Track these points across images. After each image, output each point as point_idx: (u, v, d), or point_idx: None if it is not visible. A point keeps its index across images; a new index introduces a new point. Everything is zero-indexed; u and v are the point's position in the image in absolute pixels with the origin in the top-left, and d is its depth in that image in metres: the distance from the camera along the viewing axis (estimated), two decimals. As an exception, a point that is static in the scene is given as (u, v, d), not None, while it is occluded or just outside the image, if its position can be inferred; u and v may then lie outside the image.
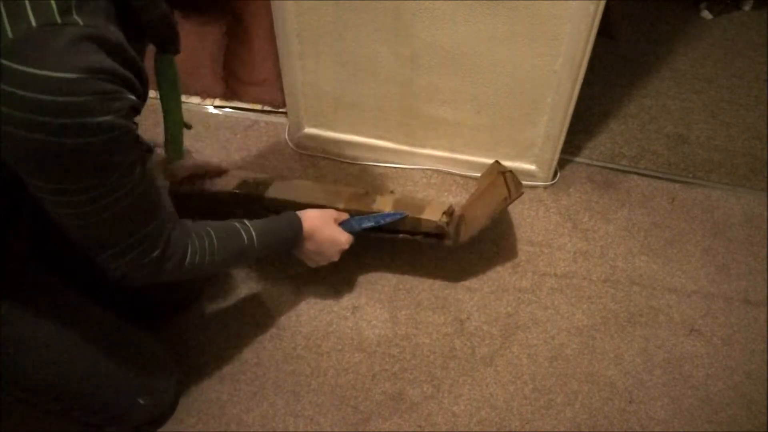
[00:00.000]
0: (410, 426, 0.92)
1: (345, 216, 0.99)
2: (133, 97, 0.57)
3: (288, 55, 1.18)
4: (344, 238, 0.95)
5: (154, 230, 0.66)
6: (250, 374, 0.97)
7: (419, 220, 1.01)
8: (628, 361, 1.01)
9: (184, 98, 1.50)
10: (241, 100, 1.46)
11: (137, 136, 0.61)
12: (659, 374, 0.99)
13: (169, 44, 0.71)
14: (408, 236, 1.03)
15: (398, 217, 1.01)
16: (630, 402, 0.96)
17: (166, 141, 0.84)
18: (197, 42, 1.63)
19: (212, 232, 0.76)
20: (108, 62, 0.53)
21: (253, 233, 0.82)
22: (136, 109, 0.59)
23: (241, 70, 1.43)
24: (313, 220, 0.92)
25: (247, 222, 0.83)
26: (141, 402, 0.85)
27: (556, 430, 0.92)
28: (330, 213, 0.97)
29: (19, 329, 0.73)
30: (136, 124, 0.60)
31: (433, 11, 1.04)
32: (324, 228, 0.93)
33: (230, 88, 1.46)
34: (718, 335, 1.04)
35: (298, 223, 0.90)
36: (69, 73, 0.50)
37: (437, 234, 1.02)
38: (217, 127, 1.41)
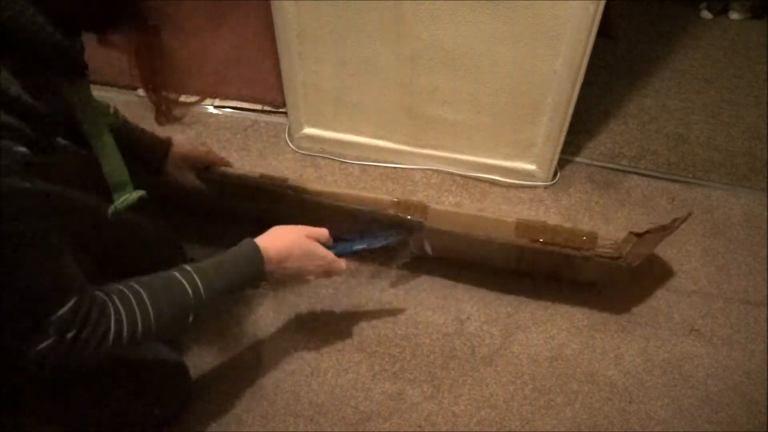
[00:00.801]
0: (410, 426, 0.92)
1: (323, 232, 0.86)
2: (23, 150, 0.50)
3: (288, 55, 1.18)
4: (323, 252, 0.83)
5: (66, 311, 0.58)
6: (250, 374, 0.97)
7: (595, 236, 0.94)
8: (628, 361, 1.01)
9: (183, 97, 1.49)
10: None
11: (44, 195, 0.53)
12: (659, 374, 0.99)
13: (76, 71, 0.60)
14: (586, 253, 0.95)
15: (393, 240, 0.92)
16: (630, 402, 0.96)
17: (111, 188, 0.72)
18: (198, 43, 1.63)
19: (142, 290, 0.65)
20: None
21: (197, 280, 0.70)
22: (31, 163, 0.51)
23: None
24: (275, 242, 0.78)
25: (188, 267, 0.71)
26: (156, 412, 0.86)
27: (556, 430, 0.92)
28: (299, 230, 0.82)
29: None
30: (38, 179, 0.52)
31: (433, 11, 1.04)
32: (293, 248, 0.79)
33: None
34: (718, 335, 1.04)
35: (258, 255, 0.76)
36: None
37: (612, 256, 0.96)
38: (218, 127, 1.41)
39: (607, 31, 1.72)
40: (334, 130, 1.32)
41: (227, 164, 1.02)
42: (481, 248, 1.02)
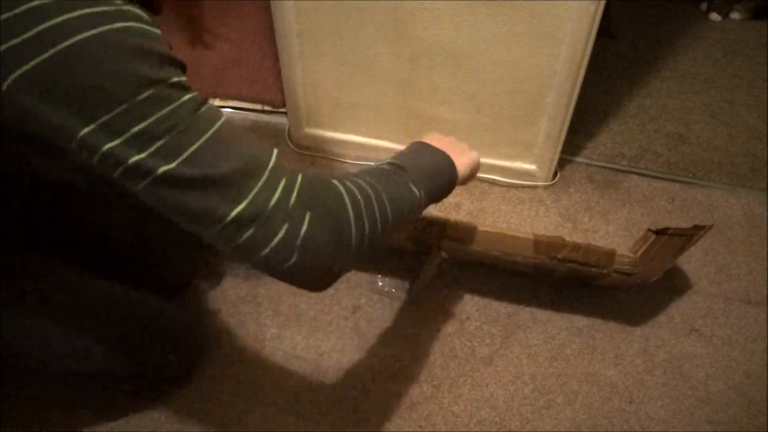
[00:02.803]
0: (410, 426, 0.92)
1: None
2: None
3: (288, 55, 1.18)
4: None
5: (270, 170, 0.50)
6: (250, 374, 0.97)
7: (612, 254, 0.96)
8: (628, 361, 1.01)
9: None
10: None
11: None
12: (659, 374, 0.99)
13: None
14: (602, 271, 0.97)
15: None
16: (630, 402, 0.96)
17: None
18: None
19: (378, 185, 0.58)
20: None
21: (421, 186, 0.63)
22: None
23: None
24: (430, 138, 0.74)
25: (406, 168, 0.64)
26: (172, 358, 0.90)
27: (556, 430, 0.92)
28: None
29: (39, 315, 0.74)
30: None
31: (433, 11, 1.04)
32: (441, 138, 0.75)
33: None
34: (718, 335, 1.04)
35: (442, 153, 0.71)
36: None
37: (627, 272, 0.98)
38: (217, 127, 1.41)
39: (607, 31, 1.73)
40: (334, 130, 1.32)
41: None
42: (498, 261, 1.03)
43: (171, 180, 0.46)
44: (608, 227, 1.21)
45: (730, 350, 1.02)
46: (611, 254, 0.96)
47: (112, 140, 0.44)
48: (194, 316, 1.02)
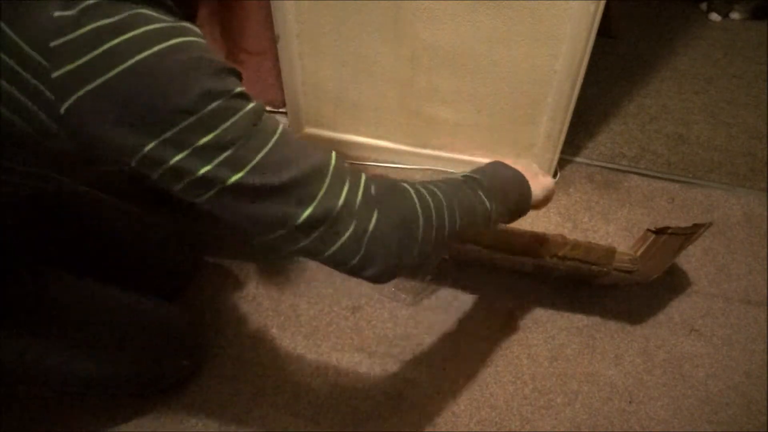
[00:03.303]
0: (410, 426, 0.92)
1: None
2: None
3: (288, 55, 1.19)
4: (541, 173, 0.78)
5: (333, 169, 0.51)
6: (250, 374, 0.97)
7: (613, 252, 0.96)
8: (628, 361, 1.01)
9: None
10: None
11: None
12: (659, 374, 0.99)
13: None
14: (603, 269, 0.97)
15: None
16: (630, 402, 0.96)
17: None
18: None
19: (441, 185, 0.61)
20: None
21: (492, 207, 0.64)
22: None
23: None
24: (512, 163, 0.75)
25: (481, 191, 0.65)
26: (185, 363, 0.91)
27: (556, 430, 0.92)
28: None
29: (40, 320, 0.74)
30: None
31: (433, 11, 1.04)
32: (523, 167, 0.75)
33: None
34: (718, 335, 1.04)
35: (518, 173, 0.72)
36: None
37: (627, 270, 0.98)
38: (217, 127, 1.41)
39: (607, 31, 1.73)
40: (334, 130, 1.32)
41: None
42: (498, 260, 1.03)
43: (240, 189, 0.47)
44: (608, 227, 1.21)
45: (730, 350, 1.02)
46: (611, 252, 0.96)
47: (179, 153, 0.45)
48: (195, 316, 1.02)
